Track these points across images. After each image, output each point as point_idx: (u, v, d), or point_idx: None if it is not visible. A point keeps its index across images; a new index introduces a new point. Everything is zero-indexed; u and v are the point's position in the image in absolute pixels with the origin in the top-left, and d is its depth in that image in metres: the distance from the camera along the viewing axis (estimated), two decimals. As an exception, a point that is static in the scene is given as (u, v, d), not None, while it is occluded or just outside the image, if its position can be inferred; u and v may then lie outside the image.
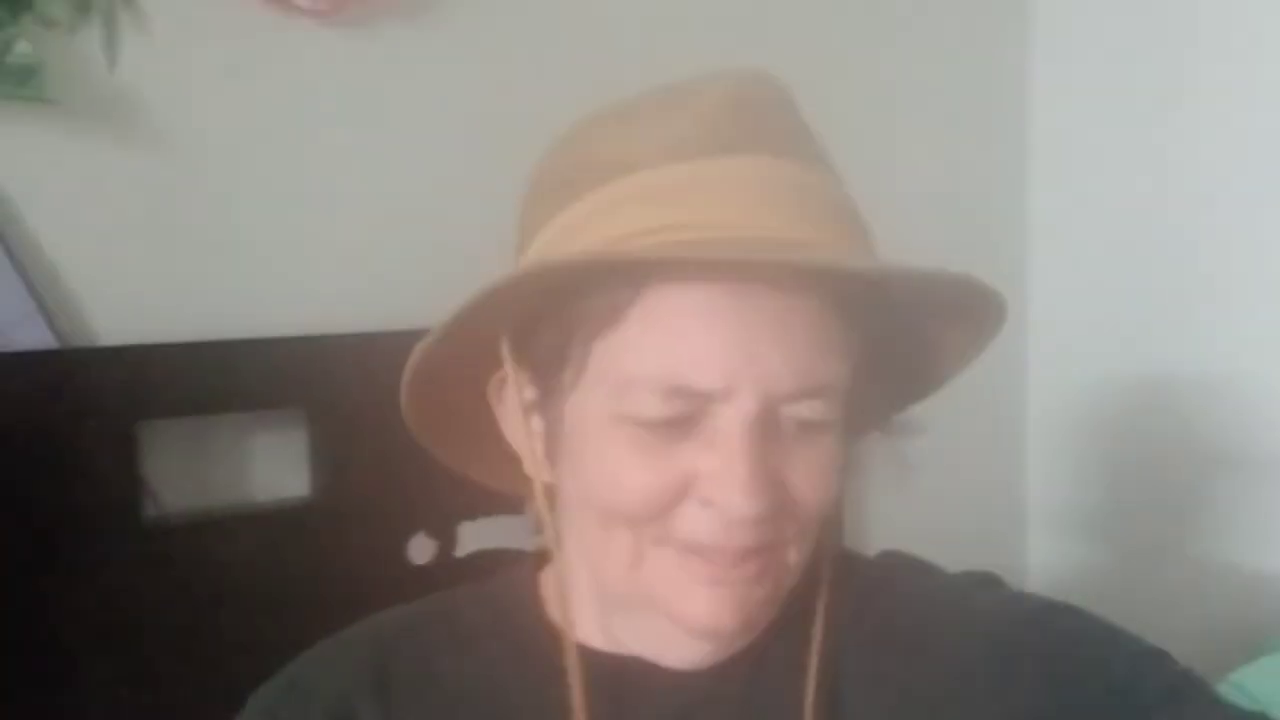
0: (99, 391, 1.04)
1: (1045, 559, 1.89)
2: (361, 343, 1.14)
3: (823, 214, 0.63)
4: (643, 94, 0.67)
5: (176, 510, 1.11)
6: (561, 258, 0.62)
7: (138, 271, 1.11)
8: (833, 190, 0.66)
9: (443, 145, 1.26)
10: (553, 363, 0.65)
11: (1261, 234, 1.59)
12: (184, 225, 1.13)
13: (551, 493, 0.69)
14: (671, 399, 0.60)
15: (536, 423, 0.68)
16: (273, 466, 1.18)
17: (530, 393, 0.67)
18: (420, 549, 1.18)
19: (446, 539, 1.19)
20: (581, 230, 0.63)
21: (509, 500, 0.70)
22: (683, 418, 0.61)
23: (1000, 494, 1.89)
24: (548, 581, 0.74)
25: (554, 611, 0.72)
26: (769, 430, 0.61)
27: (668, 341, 0.60)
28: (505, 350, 0.67)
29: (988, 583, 0.75)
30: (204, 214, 1.14)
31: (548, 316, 0.64)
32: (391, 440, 0.76)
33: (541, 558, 0.74)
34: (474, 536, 1.19)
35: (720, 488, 0.60)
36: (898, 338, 0.70)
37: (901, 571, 0.76)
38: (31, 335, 1.04)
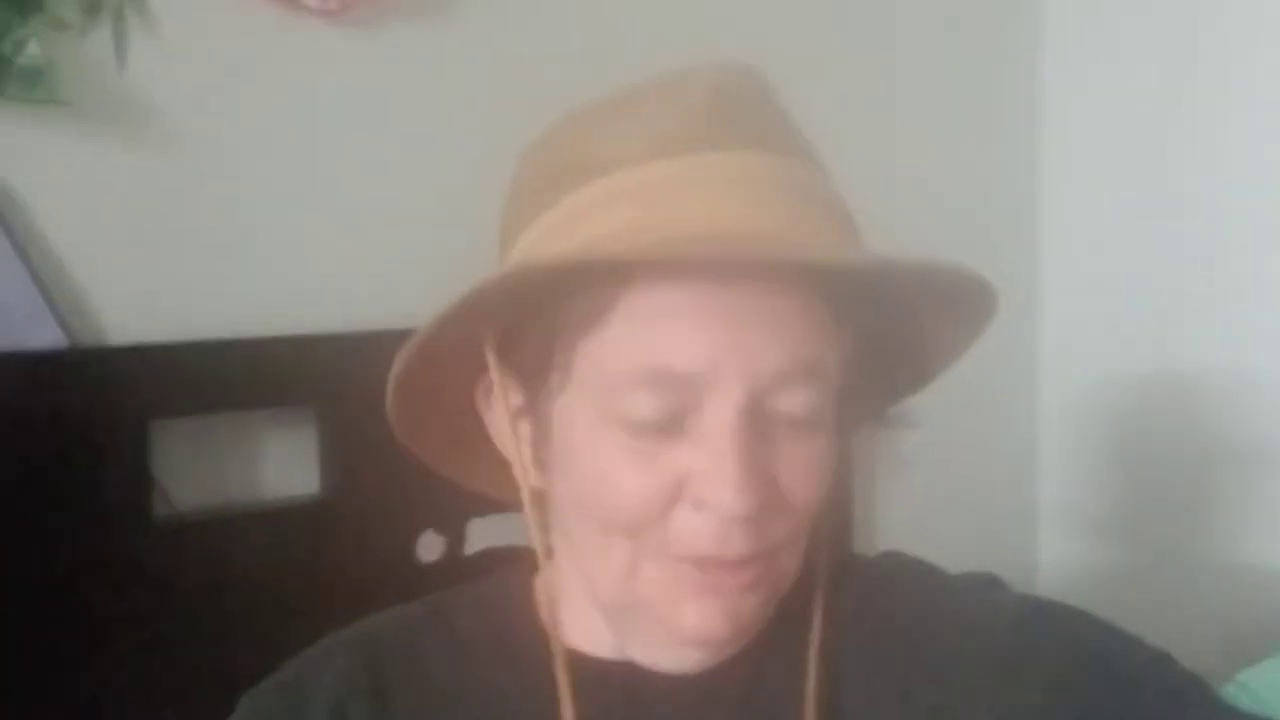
0: (110, 390, 1.04)
1: (1055, 557, 1.89)
2: (371, 341, 1.14)
3: (806, 208, 0.63)
4: (622, 89, 0.66)
5: (187, 508, 1.12)
6: (539, 260, 0.61)
7: (148, 271, 1.11)
8: (816, 184, 0.65)
9: (451, 145, 1.26)
10: (539, 366, 0.64)
11: (1273, 232, 1.59)
12: (194, 225, 1.14)
13: (541, 498, 0.69)
14: (654, 388, 0.59)
15: (524, 428, 0.67)
16: (283, 464, 1.18)
17: (517, 397, 0.67)
18: (429, 546, 1.19)
19: (455, 536, 1.19)
20: (564, 231, 0.63)
21: (519, 498, 0.70)
22: (670, 416, 0.60)
23: (1010, 492, 1.89)
24: (543, 586, 0.73)
25: (548, 616, 0.72)
26: (758, 427, 0.60)
27: (649, 334, 0.60)
28: (490, 355, 0.67)
29: (989, 584, 0.74)
30: (214, 213, 1.15)
31: (532, 320, 0.64)
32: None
33: (537, 561, 0.73)
34: (483, 534, 1.19)
35: (711, 486, 0.59)
36: (890, 331, 0.70)
37: (901, 572, 0.75)
38: (43, 335, 1.04)
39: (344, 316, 1.16)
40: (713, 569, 0.61)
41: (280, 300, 1.17)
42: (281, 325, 1.14)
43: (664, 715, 0.68)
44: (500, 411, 0.67)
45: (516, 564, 0.75)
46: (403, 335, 0.65)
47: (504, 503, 0.74)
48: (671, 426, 0.60)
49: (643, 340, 0.60)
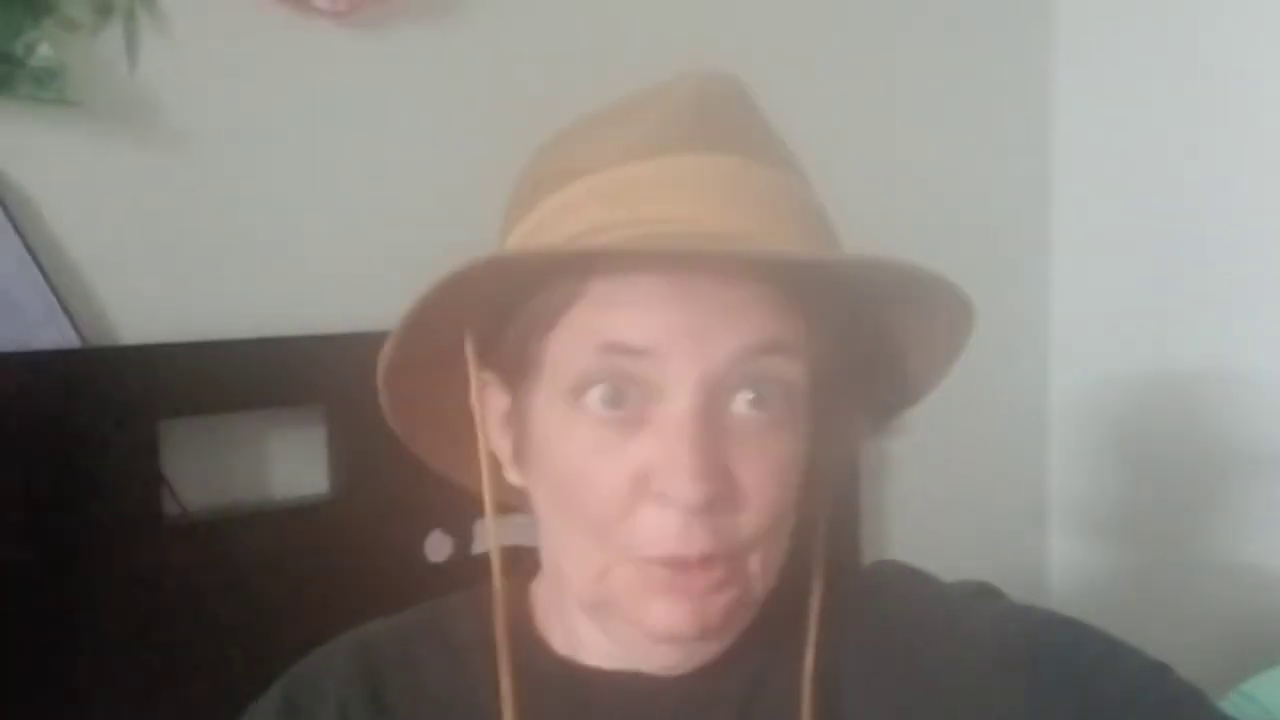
0: (120, 390, 1.05)
1: (1066, 558, 1.88)
2: (380, 341, 1.14)
3: (777, 209, 0.63)
4: (612, 102, 0.68)
5: (196, 507, 1.12)
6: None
7: (159, 271, 1.12)
8: (790, 186, 0.66)
9: (459, 146, 1.26)
10: (516, 365, 0.66)
11: (1282, 234, 1.59)
12: (204, 225, 1.14)
13: (524, 498, 0.70)
14: (609, 366, 0.61)
15: (508, 428, 0.69)
16: (291, 464, 1.19)
17: (504, 398, 0.68)
18: (437, 546, 1.19)
19: (463, 536, 1.20)
20: (539, 233, 0.64)
21: (519, 498, 0.70)
22: (629, 401, 0.61)
23: (1020, 492, 1.89)
24: (537, 592, 0.74)
25: (539, 623, 0.73)
26: (718, 421, 0.61)
27: (607, 317, 0.61)
28: (469, 356, 0.68)
29: (984, 593, 0.74)
30: (224, 214, 1.15)
31: (508, 320, 0.65)
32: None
33: (532, 567, 0.74)
34: (508, 534, 1.20)
35: (667, 475, 0.60)
36: (870, 339, 0.70)
37: (896, 580, 0.76)
38: (53, 334, 1.05)
39: (353, 316, 1.16)
40: (679, 571, 0.62)
41: (290, 300, 1.17)
42: (291, 325, 1.15)
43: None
44: (480, 412, 0.69)
45: (514, 568, 0.75)
46: (412, 336, 0.66)
47: (511, 503, 0.74)
48: (633, 418, 0.61)
49: (599, 322, 0.61)
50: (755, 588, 0.65)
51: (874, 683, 0.69)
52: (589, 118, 0.68)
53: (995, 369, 1.79)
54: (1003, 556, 1.78)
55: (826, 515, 0.72)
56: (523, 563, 0.73)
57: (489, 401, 0.69)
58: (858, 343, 0.69)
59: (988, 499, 1.80)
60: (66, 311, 1.06)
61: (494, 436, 0.70)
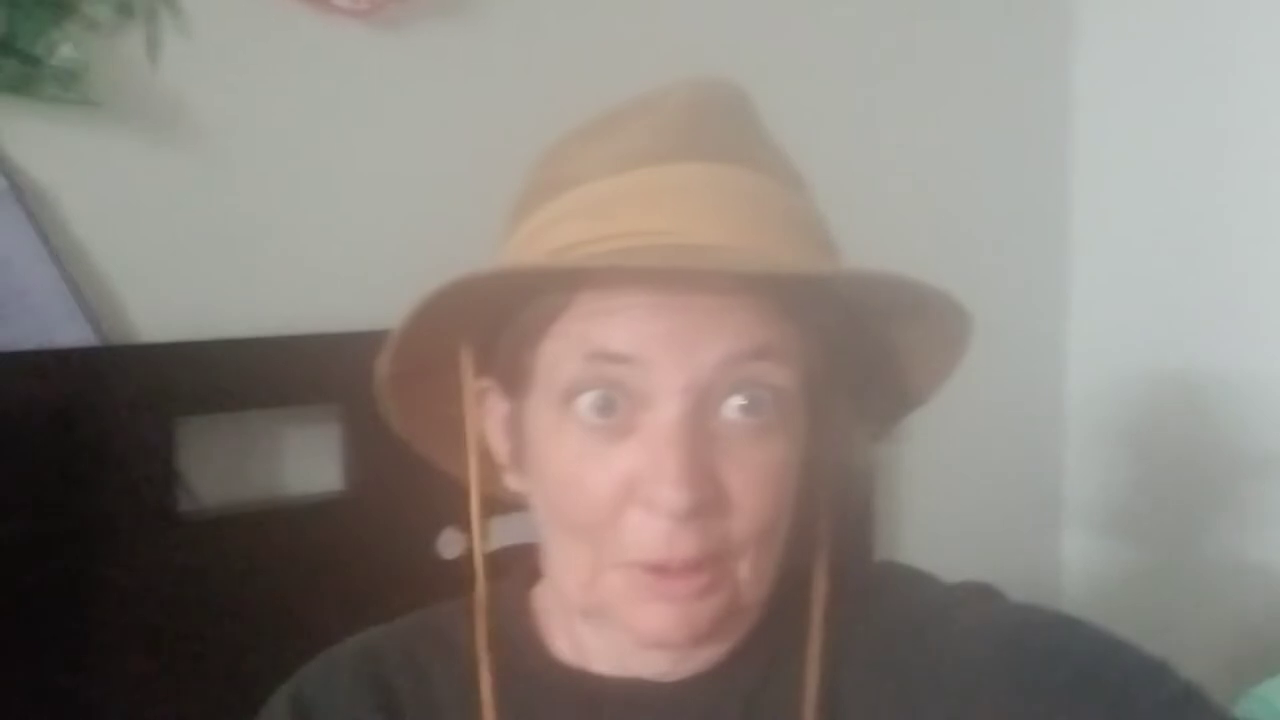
0: (137, 387, 1.06)
1: (1079, 558, 1.88)
2: (395, 341, 1.15)
3: (768, 219, 0.63)
4: (612, 108, 0.68)
5: (212, 504, 1.13)
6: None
7: (177, 270, 1.13)
8: (783, 195, 0.66)
9: (479, 143, 1.27)
10: (511, 373, 0.66)
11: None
12: (223, 223, 1.15)
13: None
14: (596, 375, 0.61)
15: (506, 431, 0.69)
16: (307, 461, 1.20)
17: (504, 405, 0.69)
18: (451, 543, 1.20)
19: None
20: (531, 243, 0.65)
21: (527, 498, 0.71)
22: (617, 410, 0.61)
23: (1035, 492, 1.88)
24: (542, 595, 0.74)
25: (543, 627, 0.73)
26: (706, 428, 0.61)
27: (593, 327, 0.62)
28: (465, 365, 0.69)
29: (984, 594, 0.74)
30: (242, 212, 1.16)
31: (503, 329, 0.66)
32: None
33: (534, 572, 0.74)
34: (505, 532, 1.20)
35: (653, 481, 0.60)
36: (866, 346, 0.69)
37: (898, 582, 0.75)
38: (72, 332, 1.06)
39: (370, 315, 1.17)
40: (666, 577, 0.62)
41: (307, 299, 1.18)
42: (308, 324, 1.15)
43: None
44: (474, 419, 0.70)
45: (513, 571, 0.75)
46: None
47: (525, 501, 0.74)
48: (622, 426, 0.62)
49: (587, 331, 0.62)
50: (746, 593, 0.65)
51: (875, 687, 0.69)
52: (584, 125, 0.68)
53: (1012, 369, 1.78)
54: (1016, 556, 1.78)
55: (828, 520, 0.72)
56: (531, 560, 0.74)
57: (489, 407, 0.70)
58: (853, 349, 0.69)
59: (1002, 498, 1.80)
60: (85, 309, 1.06)
61: (494, 441, 0.71)
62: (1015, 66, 1.79)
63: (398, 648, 0.74)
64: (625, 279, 0.61)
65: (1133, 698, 0.65)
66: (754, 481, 0.62)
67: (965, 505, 1.72)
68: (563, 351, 0.63)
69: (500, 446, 0.70)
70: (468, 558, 1.21)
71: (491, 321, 0.67)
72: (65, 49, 1.04)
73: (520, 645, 0.72)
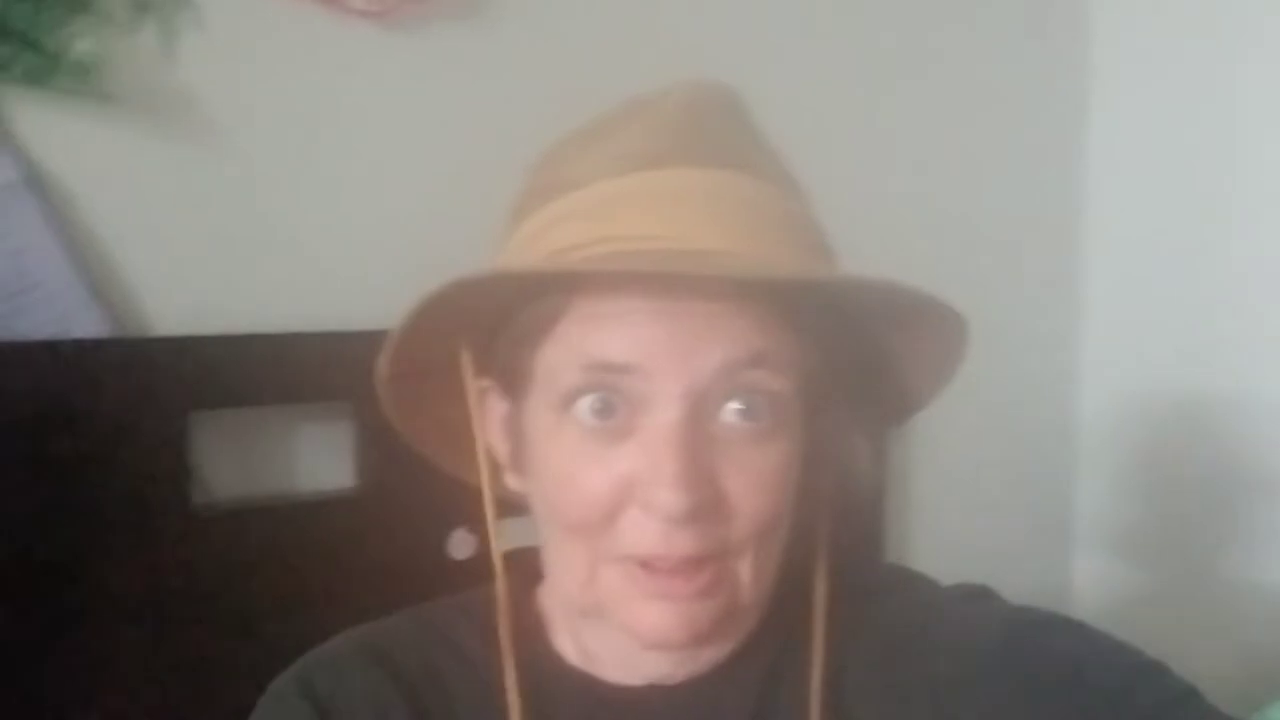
0: (151, 381, 1.06)
1: (1088, 577, 1.87)
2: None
3: (763, 223, 0.63)
4: (609, 110, 0.69)
5: (224, 498, 1.13)
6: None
7: (192, 264, 1.13)
8: (779, 200, 0.65)
9: (491, 145, 1.26)
10: (510, 374, 0.67)
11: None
12: (238, 220, 1.15)
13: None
14: (595, 382, 0.61)
15: (506, 431, 0.69)
16: (319, 458, 1.20)
17: (504, 405, 0.69)
18: (460, 544, 1.19)
19: (487, 535, 1.20)
20: (527, 246, 0.65)
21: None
22: (616, 414, 0.61)
23: (1045, 510, 1.87)
24: (544, 596, 0.74)
25: (545, 629, 0.73)
26: (704, 431, 0.61)
27: (591, 333, 0.62)
28: (465, 366, 0.69)
29: (981, 594, 0.74)
30: (258, 209, 1.16)
31: (502, 330, 0.66)
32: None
33: (536, 574, 0.74)
34: (515, 535, 1.20)
35: (651, 485, 0.60)
36: (864, 351, 0.69)
37: (897, 583, 0.76)
38: (88, 324, 1.06)
39: (384, 314, 1.17)
40: (662, 574, 0.62)
41: (320, 296, 1.18)
42: (322, 321, 1.16)
43: None
44: (478, 419, 0.70)
45: (515, 573, 0.74)
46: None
47: (525, 504, 0.74)
48: (621, 428, 0.62)
49: (585, 339, 0.62)
50: (745, 594, 0.65)
51: (879, 686, 0.69)
52: (581, 128, 0.69)
53: (1023, 386, 1.78)
54: (1025, 576, 1.76)
55: (828, 521, 0.72)
56: (533, 563, 0.73)
57: (489, 407, 0.70)
58: (850, 353, 0.69)
59: (1012, 516, 1.79)
60: (101, 301, 1.07)
61: (494, 441, 0.71)
62: (1028, 77, 1.79)
63: (403, 644, 0.73)
64: (622, 283, 0.61)
65: (1131, 697, 0.65)
66: (752, 484, 0.62)
67: (975, 525, 1.71)
68: (561, 359, 0.63)
69: (500, 446, 0.70)
70: (478, 558, 1.22)
71: (490, 322, 0.67)
72: (81, 43, 1.04)
73: (525, 647, 0.71)
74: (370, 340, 1.13)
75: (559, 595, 0.71)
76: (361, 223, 1.22)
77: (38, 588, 1.01)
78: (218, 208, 1.14)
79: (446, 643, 0.73)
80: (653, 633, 0.64)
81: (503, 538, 0.72)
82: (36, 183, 1.04)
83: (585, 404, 0.62)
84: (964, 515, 1.70)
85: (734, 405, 0.61)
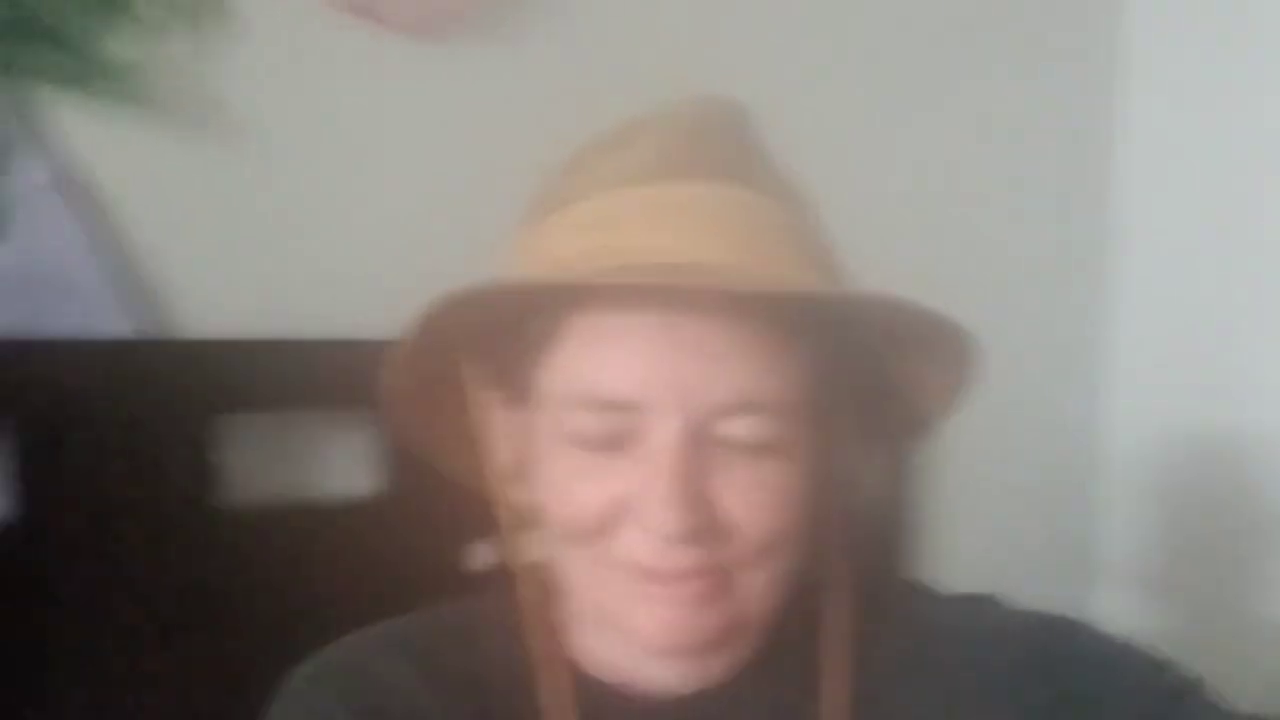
0: (177, 382, 1.07)
1: (1110, 610, 1.85)
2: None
3: (767, 239, 0.63)
4: (623, 122, 0.69)
5: (246, 502, 1.14)
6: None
7: (220, 268, 1.14)
8: (785, 215, 0.65)
9: (523, 161, 1.27)
10: (512, 386, 0.67)
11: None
12: (268, 226, 1.16)
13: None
14: (597, 412, 0.62)
15: (510, 442, 0.70)
16: (340, 465, 1.20)
17: (503, 412, 0.69)
18: (480, 556, 1.19)
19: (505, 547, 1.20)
20: (529, 255, 0.66)
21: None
22: (617, 435, 0.62)
23: (1067, 544, 1.86)
24: (560, 606, 0.74)
25: (562, 638, 0.72)
26: (703, 451, 0.61)
27: (590, 362, 0.62)
28: (468, 375, 0.70)
29: (990, 600, 0.76)
30: (288, 216, 1.17)
31: (503, 340, 0.67)
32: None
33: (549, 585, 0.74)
34: (536, 548, 1.20)
35: (646, 506, 0.61)
36: (874, 367, 0.69)
37: (908, 594, 0.77)
38: (114, 324, 1.07)
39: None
40: (656, 580, 0.62)
41: (348, 305, 1.19)
42: (349, 329, 1.16)
43: None
44: (482, 427, 0.70)
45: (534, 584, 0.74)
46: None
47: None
48: (618, 446, 0.62)
49: (584, 367, 0.62)
50: (749, 608, 0.65)
51: (896, 695, 0.70)
52: (594, 142, 0.69)
53: (1048, 416, 1.77)
54: (1045, 605, 1.75)
55: (842, 534, 0.72)
56: (546, 574, 0.73)
57: (497, 417, 0.70)
58: (861, 368, 0.69)
59: (1032, 546, 1.78)
60: (130, 303, 1.07)
61: (502, 452, 0.71)
62: (1058, 100, 1.77)
63: (432, 641, 0.73)
64: (623, 295, 0.61)
65: (1138, 690, 0.67)
66: (752, 503, 0.62)
67: (995, 555, 1.69)
68: (561, 379, 0.63)
69: (507, 457, 0.70)
70: (497, 570, 1.22)
71: (494, 332, 0.67)
72: (117, 47, 1.05)
73: (547, 654, 0.71)
74: (397, 349, 1.15)
75: (569, 603, 0.71)
76: (392, 234, 1.22)
77: (54, 583, 1.02)
78: (248, 213, 1.15)
79: (474, 644, 0.72)
80: (653, 637, 0.64)
81: (524, 549, 0.72)
82: (69, 184, 1.05)
83: (581, 424, 0.62)
84: (984, 544, 1.69)
85: (734, 424, 0.61)
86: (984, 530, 1.69)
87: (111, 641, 1.04)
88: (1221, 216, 1.70)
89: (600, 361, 0.62)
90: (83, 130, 1.06)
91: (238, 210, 1.14)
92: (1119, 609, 1.84)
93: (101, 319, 1.06)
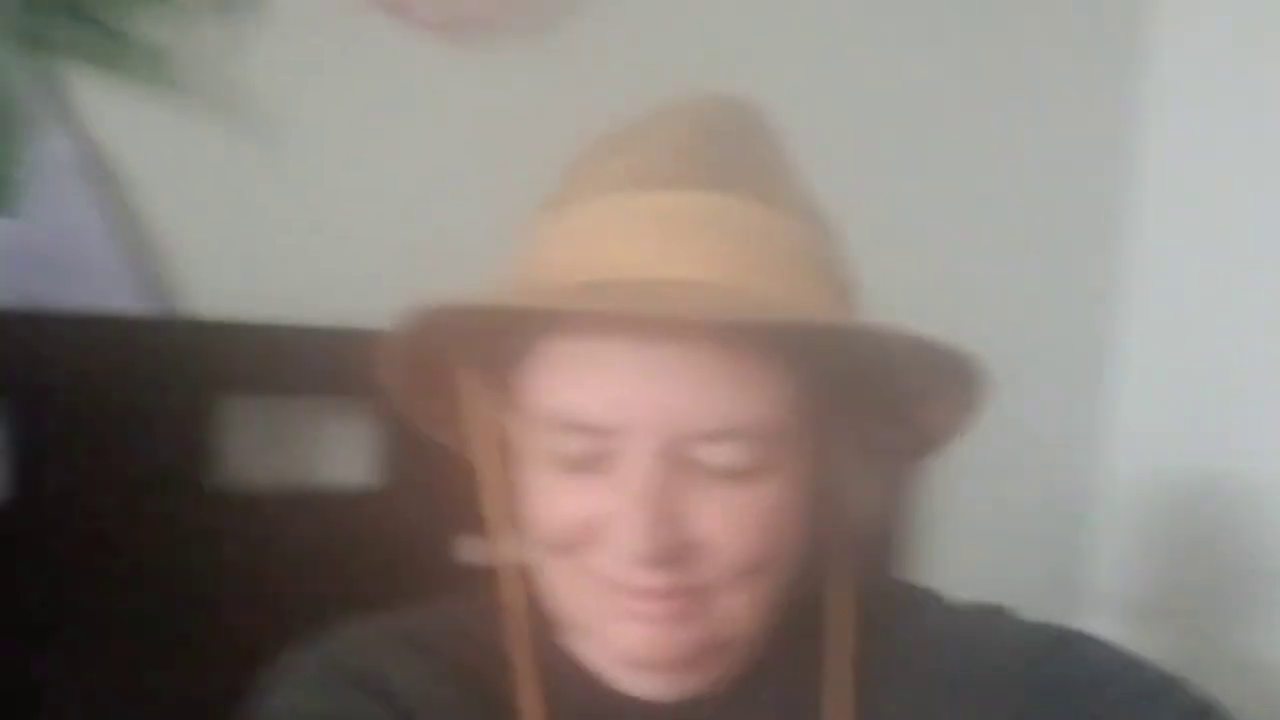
0: (181, 361, 1.07)
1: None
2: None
3: (758, 253, 0.61)
4: (634, 120, 0.67)
5: (241, 484, 1.14)
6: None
7: (231, 250, 1.15)
8: (783, 228, 0.63)
9: (547, 162, 1.28)
10: (500, 391, 0.68)
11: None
12: (285, 214, 1.17)
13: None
14: (571, 435, 0.61)
15: (500, 444, 0.70)
16: (338, 453, 1.20)
17: (496, 414, 0.70)
18: (474, 550, 1.20)
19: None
20: (520, 260, 0.65)
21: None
22: (594, 456, 0.61)
23: (1059, 579, 1.85)
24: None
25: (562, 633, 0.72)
26: (681, 473, 0.60)
27: (567, 385, 0.61)
28: (463, 379, 0.69)
29: (996, 611, 0.74)
30: (307, 205, 1.18)
31: (489, 348, 0.67)
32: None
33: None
34: (523, 551, 1.20)
35: (618, 528, 0.60)
36: (875, 386, 0.67)
37: (912, 603, 0.76)
38: (123, 300, 1.08)
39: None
40: (632, 596, 0.62)
41: (356, 293, 1.19)
42: (353, 317, 1.17)
43: None
44: (473, 428, 0.70)
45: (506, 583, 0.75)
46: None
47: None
48: (595, 466, 0.61)
49: (559, 390, 0.61)
50: (730, 628, 0.64)
51: (900, 706, 0.69)
52: (601, 137, 0.68)
53: (1045, 449, 1.76)
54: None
55: (843, 550, 0.71)
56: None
57: (486, 419, 0.70)
58: (861, 387, 0.67)
59: (1023, 575, 1.77)
60: (141, 281, 1.08)
61: (488, 454, 0.71)
62: (1068, 128, 1.75)
63: (434, 634, 0.72)
64: (595, 322, 0.60)
65: (1150, 710, 0.65)
66: (732, 525, 0.61)
67: (985, 584, 1.70)
68: (537, 400, 0.63)
69: (493, 460, 0.70)
70: (489, 567, 1.22)
71: (483, 339, 0.67)
72: (149, 28, 1.06)
73: (546, 652, 0.71)
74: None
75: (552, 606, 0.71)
76: (409, 228, 1.23)
77: (51, 558, 1.02)
78: (267, 201, 1.16)
79: (471, 639, 0.72)
80: (626, 653, 0.64)
81: (510, 551, 0.72)
82: (92, 162, 1.06)
83: (557, 445, 0.62)
84: (975, 572, 1.69)
85: (712, 450, 0.60)
86: (973, 558, 1.68)
87: (106, 619, 1.05)
88: (1228, 259, 1.69)
89: (575, 386, 0.61)
90: (111, 110, 1.07)
91: (256, 196, 1.15)
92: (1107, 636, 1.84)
93: (114, 298, 1.07)
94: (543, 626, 0.72)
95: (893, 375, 0.67)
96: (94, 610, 1.05)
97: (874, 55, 1.55)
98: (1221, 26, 1.68)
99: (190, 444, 1.08)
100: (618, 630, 0.63)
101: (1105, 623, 1.83)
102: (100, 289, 1.06)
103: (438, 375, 0.70)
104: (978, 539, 1.68)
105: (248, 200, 1.15)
